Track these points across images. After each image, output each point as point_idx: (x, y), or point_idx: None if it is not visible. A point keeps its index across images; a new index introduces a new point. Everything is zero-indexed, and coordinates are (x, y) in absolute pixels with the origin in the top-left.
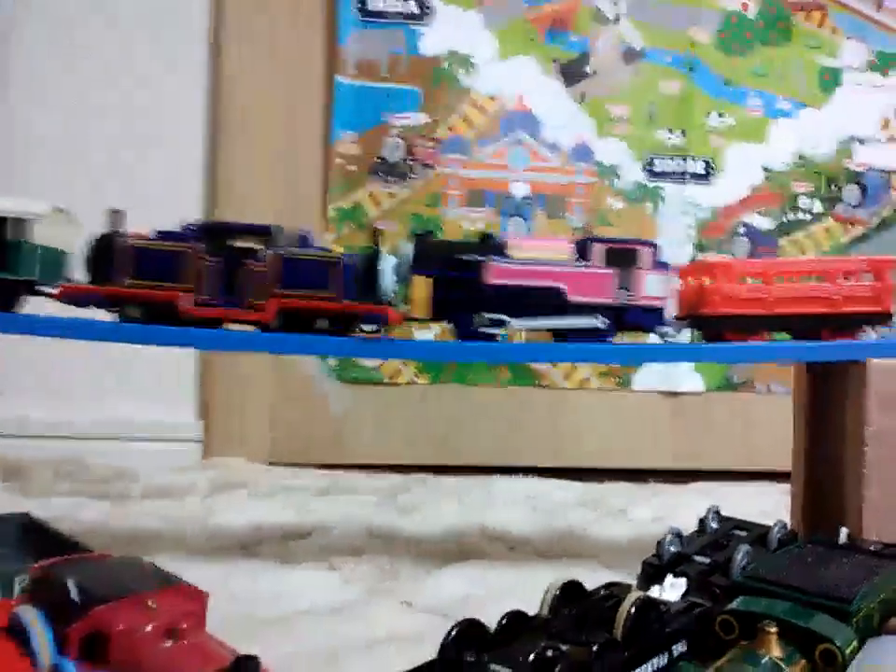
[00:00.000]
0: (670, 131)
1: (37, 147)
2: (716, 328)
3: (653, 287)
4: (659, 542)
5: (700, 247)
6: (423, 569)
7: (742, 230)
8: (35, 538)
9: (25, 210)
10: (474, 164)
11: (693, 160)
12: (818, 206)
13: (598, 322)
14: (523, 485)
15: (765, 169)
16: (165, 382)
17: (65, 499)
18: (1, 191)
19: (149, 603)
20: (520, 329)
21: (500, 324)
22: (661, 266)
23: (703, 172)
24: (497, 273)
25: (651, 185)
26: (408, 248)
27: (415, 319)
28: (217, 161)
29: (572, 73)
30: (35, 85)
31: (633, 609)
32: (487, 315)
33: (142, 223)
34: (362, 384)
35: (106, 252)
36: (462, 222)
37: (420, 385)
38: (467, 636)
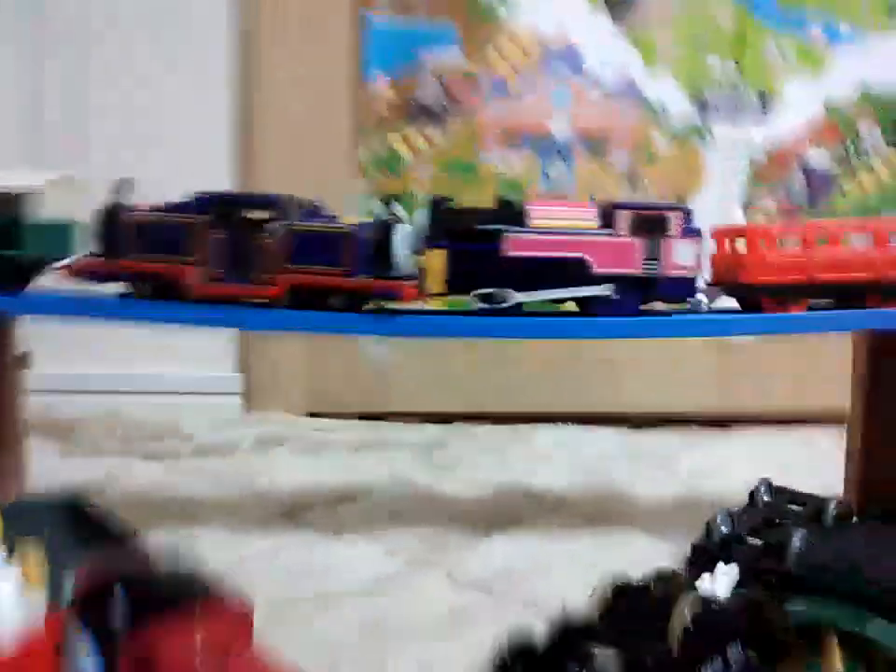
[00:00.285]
0: (722, 62)
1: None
2: (753, 296)
3: (684, 255)
4: (708, 524)
5: (753, 189)
6: (465, 538)
7: (799, 170)
8: (83, 522)
9: (28, 185)
10: (513, 104)
11: (747, 93)
12: (882, 143)
13: (607, 290)
14: (565, 435)
15: (826, 103)
16: (204, 336)
17: (115, 459)
18: None
19: (197, 622)
20: (524, 301)
21: (503, 299)
22: (692, 232)
23: (757, 107)
24: (516, 245)
25: (701, 122)
26: (423, 217)
27: (431, 295)
28: (246, 108)
29: (618, 3)
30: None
31: (688, 617)
32: (493, 290)
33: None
34: None
35: (113, 225)
36: (499, 166)
37: None
38: (515, 655)
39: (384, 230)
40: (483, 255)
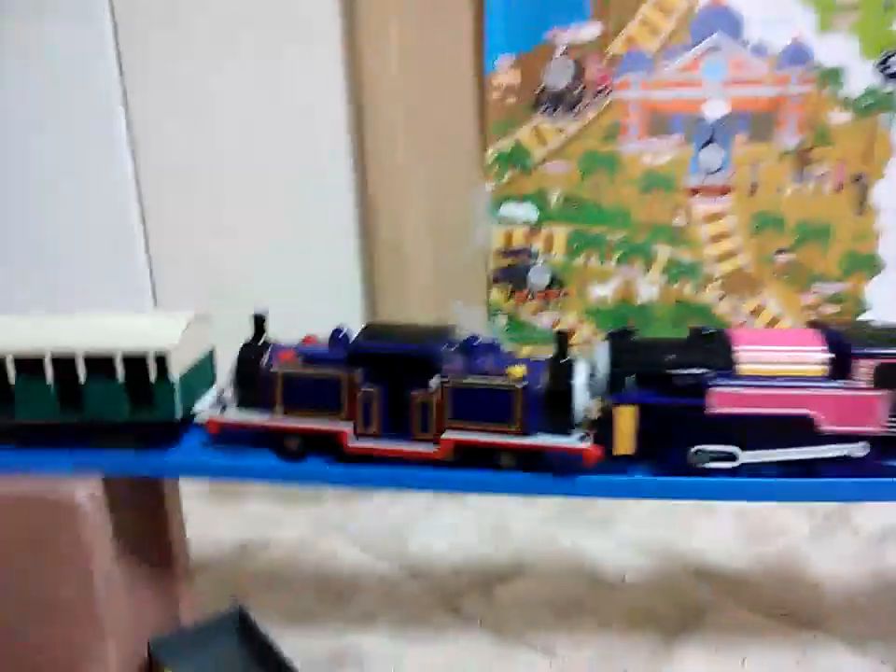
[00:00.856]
0: None
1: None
2: None
3: None
4: None
5: None
6: (646, 648)
7: None
8: (247, 645)
9: (166, 343)
10: (658, 83)
11: None
12: None
13: (857, 449)
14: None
15: None
16: None
17: None
18: None
19: None
20: (752, 462)
21: (730, 458)
22: None
23: None
24: (724, 400)
25: (887, 90)
26: (601, 353)
27: (619, 457)
28: (360, 110)
29: None
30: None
31: None
32: (709, 448)
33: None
34: (532, 343)
35: (256, 376)
36: (644, 157)
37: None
38: None
39: (561, 378)
40: (683, 413)
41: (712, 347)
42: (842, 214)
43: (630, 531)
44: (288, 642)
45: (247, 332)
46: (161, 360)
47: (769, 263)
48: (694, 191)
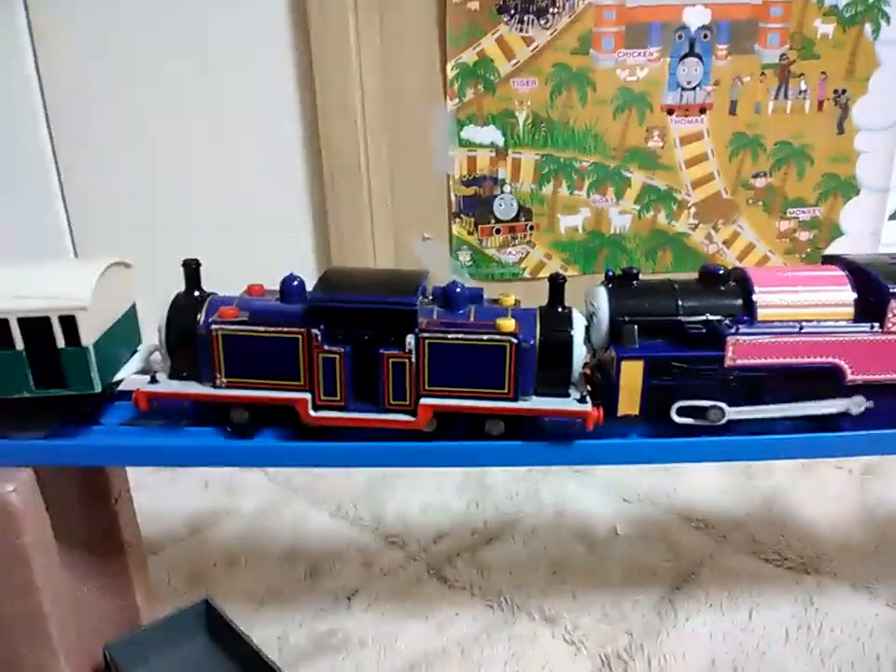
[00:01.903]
0: None
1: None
2: None
3: None
4: None
5: None
6: (648, 606)
7: None
8: (216, 640)
9: (70, 301)
10: None
11: None
12: None
13: (854, 405)
14: None
15: None
16: None
17: None
18: None
19: None
20: (739, 418)
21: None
22: None
23: None
24: (743, 351)
25: (875, 1)
26: (600, 300)
27: (624, 418)
28: (305, 20)
29: None
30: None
31: None
32: (725, 406)
33: None
34: (498, 280)
35: (191, 337)
36: (619, 72)
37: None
38: None
39: (559, 331)
40: (697, 366)
41: (727, 290)
42: (822, 133)
43: (612, 477)
44: (261, 630)
45: (178, 284)
46: (70, 322)
47: (746, 188)
48: (671, 110)
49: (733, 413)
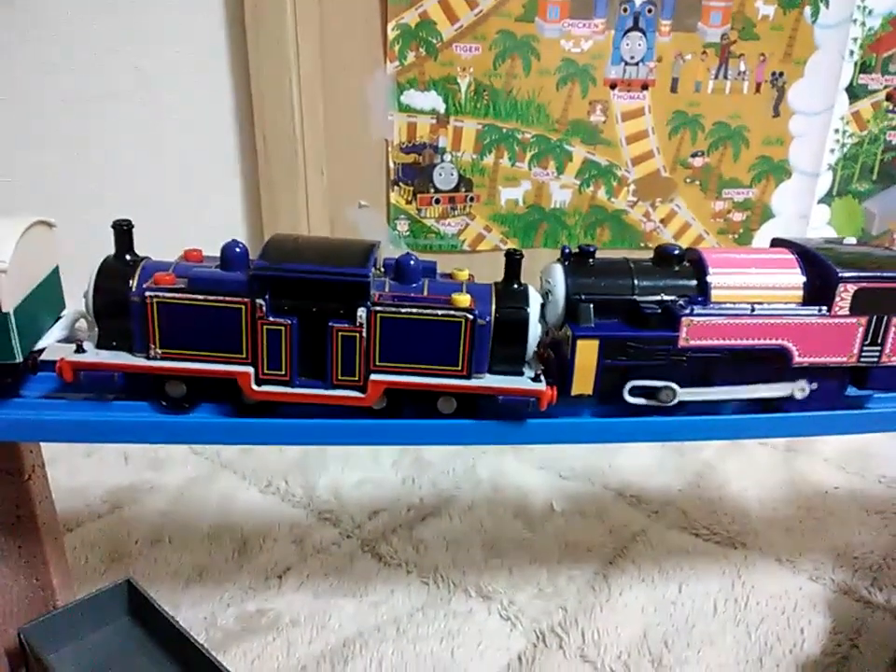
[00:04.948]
0: None
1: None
2: None
3: None
4: None
5: (863, 67)
6: (583, 580)
7: None
8: (138, 622)
9: None
10: None
11: None
12: None
13: (797, 389)
14: None
15: None
16: None
17: None
18: None
19: None
20: (689, 399)
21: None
22: None
23: None
24: (697, 332)
25: None
26: (556, 277)
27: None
28: None
29: None
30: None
31: None
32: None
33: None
34: (436, 252)
35: (123, 305)
36: (563, 42)
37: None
38: None
39: (515, 308)
40: (651, 346)
41: (682, 271)
42: (758, 115)
43: (548, 454)
44: (187, 611)
45: (107, 247)
46: None
47: (684, 167)
48: (614, 85)
49: (684, 394)
